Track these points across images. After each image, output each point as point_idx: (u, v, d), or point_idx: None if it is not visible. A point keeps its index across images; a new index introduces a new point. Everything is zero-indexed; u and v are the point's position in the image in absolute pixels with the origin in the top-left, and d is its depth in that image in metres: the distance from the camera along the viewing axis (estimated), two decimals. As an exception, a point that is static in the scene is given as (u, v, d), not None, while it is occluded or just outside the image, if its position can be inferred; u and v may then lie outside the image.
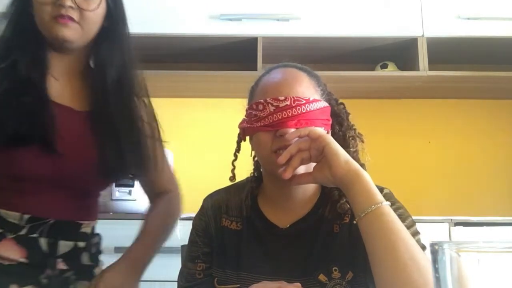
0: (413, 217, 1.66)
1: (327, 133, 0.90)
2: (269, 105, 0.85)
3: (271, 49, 1.99)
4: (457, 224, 1.65)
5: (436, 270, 0.40)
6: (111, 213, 1.73)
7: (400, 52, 2.07)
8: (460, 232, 1.63)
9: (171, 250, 1.43)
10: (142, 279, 1.61)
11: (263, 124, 0.86)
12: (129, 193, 1.72)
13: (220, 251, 0.93)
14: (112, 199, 1.72)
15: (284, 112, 0.84)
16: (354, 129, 0.96)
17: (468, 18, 1.95)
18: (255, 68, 1.88)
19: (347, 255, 0.85)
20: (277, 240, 0.89)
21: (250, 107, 0.90)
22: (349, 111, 1.00)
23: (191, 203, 1.10)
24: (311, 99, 0.86)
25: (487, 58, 2.14)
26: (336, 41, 2.00)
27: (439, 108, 2.26)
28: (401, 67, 2.09)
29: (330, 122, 0.92)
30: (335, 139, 0.89)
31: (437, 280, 0.40)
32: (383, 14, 1.97)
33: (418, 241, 0.84)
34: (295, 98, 0.85)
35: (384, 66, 2.07)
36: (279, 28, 1.95)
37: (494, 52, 2.09)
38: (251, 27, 1.95)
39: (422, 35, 1.94)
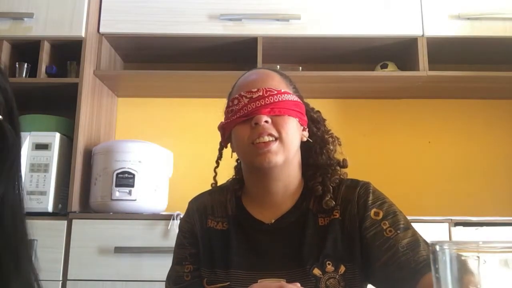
0: (413, 217, 1.66)
1: (303, 130, 0.95)
2: (243, 98, 0.90)
3: (271, 49, 1.99)
4: (457, 224, 1.65)
5: (436, 270, 0.40)
6: (111, 213, 1.72)
7: (400, 52, 2.07)
8: (460, 232, 1.63)
9: (171, 250, 1.43)
10: (142, 279, 1.62)
11: (239, 115, 0.89)
12: (129, 193, 1.72)
13: (208, 252, 0.94)
14: (112, 199, 1.71)
15: (258, 101, 0.88)
16: (331, 133, 1.00)
17: (468, 18, 1.95)
18: (254, 68, 1.88)
19: (340, 249, 0.87)
20: (264, 236, 0.91)
21: (227, 106, 0.95)
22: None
23: (191, 203, 1.10)
24: (282, 90, 0.90)
25: (487, 58, 2.14)
26: (336, 41, 2.00)
27: (439, 108, 2.26)
28: (401, 67, 2.09)
29: (306, 120, 0.95)
30: (313, 139, 0.96)
31: (437, 280, 0.40)
32: (383, 14, 1.97)
33: (421, 237, 0.86)
34: (267, 89, 0.89)
35: (384, 66, 2.07)
36: (279, 28, 1.95)
37: (494, 52, 2.09)
38: (251, 27, 1.95)
39: (422, 35, 1.94)
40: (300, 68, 2.09)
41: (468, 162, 2.21)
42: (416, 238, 0.84)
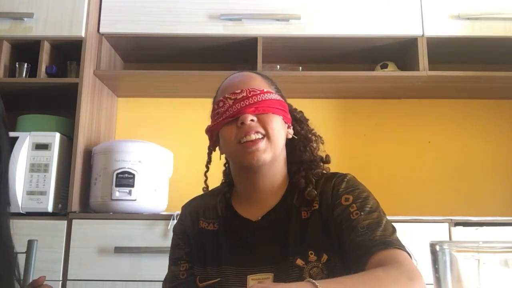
0: (413, 217, 1.66)
1: (288, 127, 0.97)
2: (228, 99, 0.92)
3: (271, 49, 1.99)
4: (457, 224, 1.65)
5: (436, 270, 0.40)
6: (111, 213, 1.73)
7: (400, 52, 2.07)
8: (460, 232, 1.63)
9: (171, 250, 1.43)
10: (142, 279, 1.62)
11: (225, 117, 0.92)
12: (129, 193, 1.72)
13: (200, 251, 0.97)
14: (112, 199, 1.71)
15: (242, 102, 0.91)
16: (314, 132, 1.03)
17: (468, 18, 1.95)
18: (255, 68, 1.88)
19: (320, 239, 0.89)
20: (252, 233, 0.94)
21: (212, 110, 0.97)
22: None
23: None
24: (265, 90, 0.93)
25: (487, 58, 2.14)
26: (336, 41, 2.00)
27: (439, 108, 2.26)
28: (401, 67, 2.09)
29: (290, 118, 0.98)
30: (298, 138, 0.99)
31: (437, 280, 0.40)
32: (383, 14, 1.97)
33: (387, 222, 0.85)
34: (251, 89, 0.92)
35: (384, 66, 2.07)
36: (279, 28, 1.95)
37: (494, 52, 2.09)
38: (251, 27, 1.95)
39: (422, 35, 1.94)
40: (300, 68, 2.09)
41: (468, 162, 2.21)
42: (379, 221, 0.84)
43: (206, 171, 1.03)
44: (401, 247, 0.79)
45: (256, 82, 0.95)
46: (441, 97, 2.25)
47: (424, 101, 2.27)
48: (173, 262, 1.01)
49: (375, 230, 0.82)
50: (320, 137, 1.03)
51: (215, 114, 0.95)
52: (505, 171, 2.20)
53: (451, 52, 2.07)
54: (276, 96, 0.94)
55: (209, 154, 1.03)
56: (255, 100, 0.91)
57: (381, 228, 0.82)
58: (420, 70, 1.91)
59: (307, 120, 1.05)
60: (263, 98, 0.91)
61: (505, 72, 1.97)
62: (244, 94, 0.91)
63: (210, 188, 1.05)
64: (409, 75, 1.96)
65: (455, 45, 2.02)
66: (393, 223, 0.88)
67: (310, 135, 1.01)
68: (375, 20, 1.96)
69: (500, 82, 2.03)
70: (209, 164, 1.04)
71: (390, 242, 0.79)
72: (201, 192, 1.06)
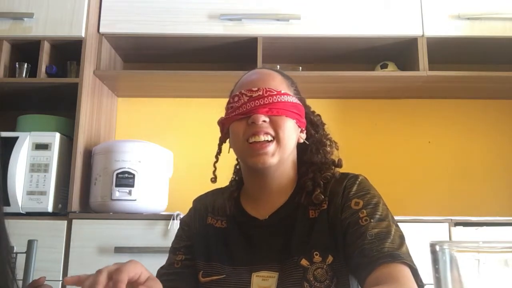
0: (413, 217, 1.66)
1: (301, 131, 0.97)
2: (244, 96, 0.92)
3: (271, 49, 1.99)
4: (457, 224, 1.65)
5: (436, 270, 0.40)
6: (111, 213, 1.72)
7: (400, 52, 2.07)
8: (460, 232, 1.63)
9: (171, 250, 1.43)
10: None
11: (237, 113, 0.92)
12: (129, 193, 1.72)
13: (204, 246, 0.96)
14: (112, 199, 1.71)
15: (257, 101, 0.90)
16: (330, 137, 1.02)
17: (468, 18, 1.95)
18: (255, 68, 1.88)
19: (327, 239, 0.88)
20: (259, 232, 0.94)
21: (228, 103, 0.97)
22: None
23: (191, 203, 1.10)
24: (282, 91, 0.92)
25: (487, 58, 2.14)
26: (336, 41, 2.00)
27: (439, 108, 2.26)
28: (401, 67, 2.09)
29: (304, 122, 0.97)
30: (311, 141, 0.98)
31: (437, 280, 0.40)
32: (383, 14, 1.97)
33: (396, 232, 0.85)
34: (267, 89, 0.91)
35: (384, 66, 2.07)
36: (279, 28, 1.95)
37: (494, 52, 2.09)
38: (251, 27, 1.95)
39: (422, 35, 1.94)
40: (300, 68, 2.09)
41: (468, 162, 2.21)
42: (389, 231, 0.83)
43: (216, 162, 1.03)
44: (408, 260, 0.78)
45: (275, 81, 0.94)
46: (441, 97, 2.25)
47: (424, 101, 2.27)
48: (172, 250, 1.01)
49: (384, 240, 0.81)
50: (335, 143, 1.01)
51: (229, 108, 0.95)
52: (505, 171, 2.20)
53: (451, 52, 2.07)
54: (293, 99, 0.93)
55: (220, 144, 1.03)
56: (270, 101, 0.89)
57: (390, 239, 0.81)
58: (420, 70, 1.91)
59: (324, 124, 1.03)
60: (279, 100, 0.90)
61: (505, 72, 1.97)
62: (260, 93, 0.90)
63: (217, 179, 1.04)
64: (409, 75, 1.96)
65: (455, 45, 2.02)
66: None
67: (324, 140, 1.00)
68: (375, 20, 1.96)
69: (500, 82, 2.03)
70: (219, 154, 1.03)
71: (397, 255, 0.78)
72: (202, 191, 1.07)
